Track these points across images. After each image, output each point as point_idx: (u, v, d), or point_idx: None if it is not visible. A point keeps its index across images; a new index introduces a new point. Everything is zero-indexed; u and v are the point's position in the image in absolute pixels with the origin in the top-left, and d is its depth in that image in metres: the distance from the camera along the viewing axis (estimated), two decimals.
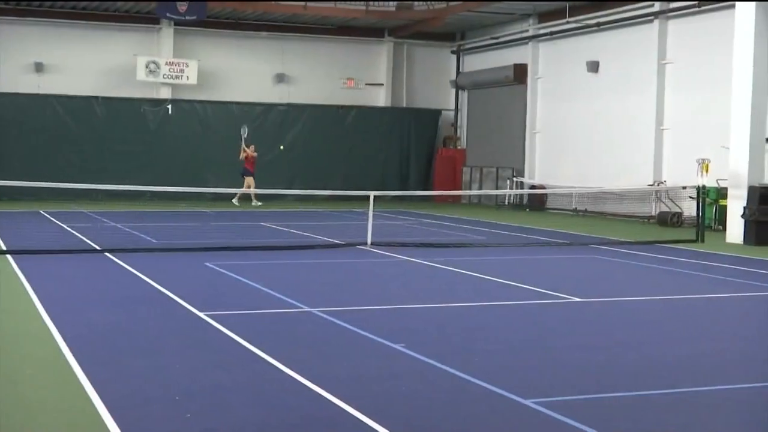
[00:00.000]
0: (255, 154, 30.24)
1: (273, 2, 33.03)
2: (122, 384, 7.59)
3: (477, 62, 35.83)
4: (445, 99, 37.19)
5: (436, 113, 36.77)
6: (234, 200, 30.26)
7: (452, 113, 37.11)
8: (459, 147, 36.67)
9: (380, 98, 36.30)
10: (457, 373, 8.01)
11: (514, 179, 32.33)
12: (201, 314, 10.61)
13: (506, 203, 32.68)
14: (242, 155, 30.07)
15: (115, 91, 32.72)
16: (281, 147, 33.19)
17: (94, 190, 24.32)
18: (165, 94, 33.29)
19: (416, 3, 34.64)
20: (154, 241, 19.02)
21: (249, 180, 29.72)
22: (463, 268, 15.26)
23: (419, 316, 11.13)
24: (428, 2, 34.26)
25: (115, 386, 7.48)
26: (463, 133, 36.90)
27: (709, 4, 25.17)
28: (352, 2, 33.73)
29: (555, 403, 7.13)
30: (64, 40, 32.49)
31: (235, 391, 7.42)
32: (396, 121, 35.83)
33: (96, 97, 32.47)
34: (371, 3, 34.26)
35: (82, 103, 32.32)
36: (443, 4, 33.82)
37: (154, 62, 32.73)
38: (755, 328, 11.00)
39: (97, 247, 17.21)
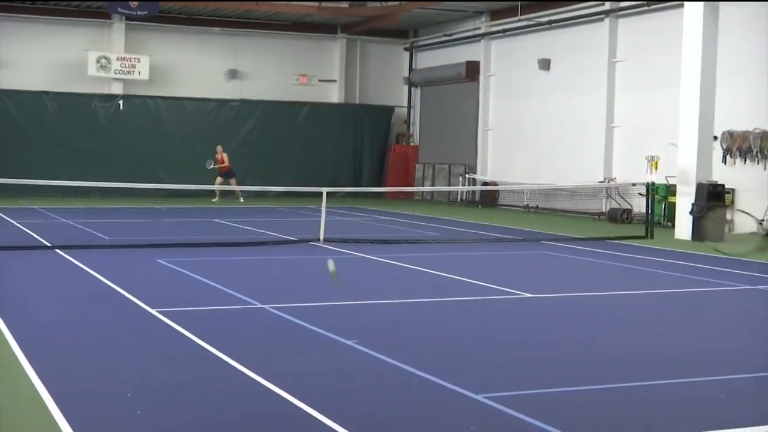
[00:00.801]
0: (223, 155, 30.87)
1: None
2: (73, 381, 7.52)
3: (430, 59, 35.92)
4: (398, 96, 37.24)
5: (389, 110, 36.81)
6: (215, 199, 30.55)
7: (405, 110, 37.18)
8: (412, 144, 36.73)
9: (333, 95, 36.26)
10: (410, 368, 8.02)
11: (467, 176, 32.45)
12: (152, 311, 10.53)
13: (459, 200, 32.80)
14: (213, 165, 30.64)
15: (66, 86, 32.40)
16: None
17: (44, 186, 23.99)
18: (116, 89, 33.01)
19: (369, 0, 34.63)
20: (105, 237, 18.85)
21: (232, 180, 30.39)
22: (416, 265, 15.29)
23: (372, 313, 11.14)
24: None
25: (65, 384, 7.41)
26: (415, 129, 36.97)
27: (658, 4, 25.43)
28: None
29: (507, 398, 7.18)
30: (14, 35, 32.08)
31: (186, 387, 7.39)
32: (349, 118, 35.83)
33: (47, 93, 32.14)
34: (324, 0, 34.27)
35: (32, 99, 31.96)
36: (396, 2, 33.86)
37: (105, 57, 32.45)
38: (702, 322, 11.14)
39: (48, 244, 17.02)
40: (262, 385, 7.40)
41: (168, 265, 14.70)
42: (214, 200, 30.41)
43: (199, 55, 34.39)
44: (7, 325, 9.52)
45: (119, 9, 31.09)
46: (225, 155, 30.96)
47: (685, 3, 21.32)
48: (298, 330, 9.79)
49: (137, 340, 9.18)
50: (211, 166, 30.46)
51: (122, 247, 17.13)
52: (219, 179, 30.19)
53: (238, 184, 30.22)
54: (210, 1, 32.60)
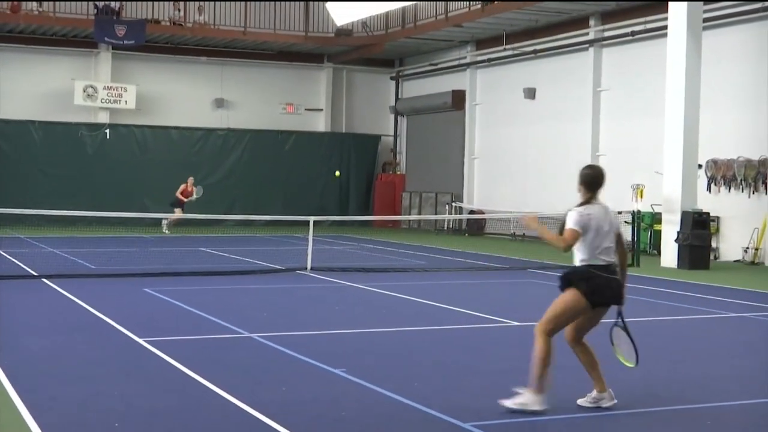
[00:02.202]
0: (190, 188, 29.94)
1: (213, 27, 33.07)
2: (60, 411, 7.50)
3: (416, 88, 36.08)
4: (384, 124, 37.35)
5: (376, 138, 36.91)
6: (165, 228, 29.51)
7: (391, 138, 37.28)
8: (398, 172, 36.81)
9: (320, 123, 36.35)
10: (397, 397, 8.04)
11: (453, 204, 32.52)
12: (139, 340, 10.52)
13: (445, 228, 32.86)
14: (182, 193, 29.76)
15: (53, 115, 32.39)
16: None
17: (31, 215, 23.98)
18: (103, 118, 33.01)
19: (355, 29, 34.80)
20: (92, 266, 18.82)
21: (178, 210, 28.96)
22: (403, 293, 15.31)
23: (359, 341, 11.14)
24: (367, 29, 34.45)
25: (52, 413, 7.39)
26: (402, 158, 37.07)
27: (642, 33, 25.63)
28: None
29: (493, 426, 7.19)
30: (1, 64, 32.09)
31: (173, 416, 7.38)
32: (335, 147, 35.89)
33: (33, 122, 32.11)
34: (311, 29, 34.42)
35: (19, 128, 31.92)
36: (382, 31, 34.06)
37: (91, 86, 32.48)
38: (689, 350, 11.17)
39: (34, 273, 16.99)
40: (250, 414, 7.39)
41: (155, 294, 14.69)
42: (167, 231, 29.16)
43: (186, 84, 34.46)
44: None
45: (106, 38, 31.14)
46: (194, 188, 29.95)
47: (669, 32, 21.50)
48: (285, 359, 9.78)
49: (124, 370, 9.16)
50: (199, 195, 29.67)
51: (109, 276, 17.11)
52: (178, 210, 28.75)
53: (225, 213, 30.22)
54: (197, 30, 32.79)
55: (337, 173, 32.44)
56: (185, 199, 29.30)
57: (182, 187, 29.51)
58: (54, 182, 31.77)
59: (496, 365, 9.79)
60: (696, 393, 8.70)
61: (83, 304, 13.35)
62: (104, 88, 32.55)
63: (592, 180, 7.92)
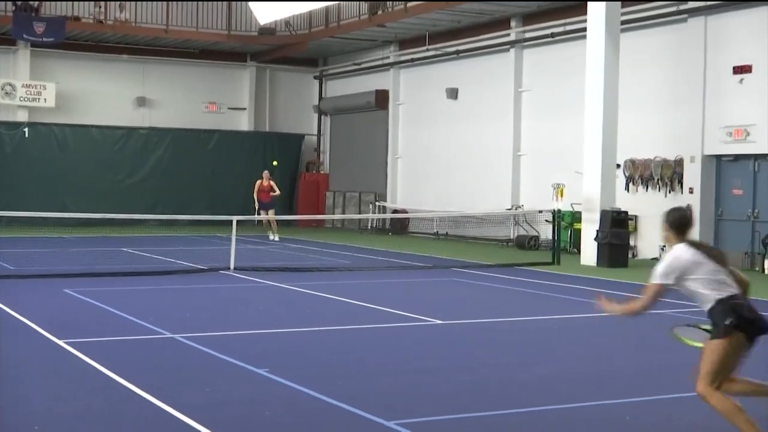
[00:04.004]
0: (267, 183, 27.33)
1: (134, 25, 32.67)
2: None
3: (339, 88, 36.08)
4: (307, 124, 37.28)
5: (299, 138, 36.80)
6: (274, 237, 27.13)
7: (315, 138, 37.22)
8: (322, 171, 36.77)
9: (243, 122, 36.15)
10: (321, 396, 8.03)
11: (377, 203, 32.59)
12: (60, 342, 10.36)
13: (369, 227, 32.91)
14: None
15: None
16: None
17: None
18: (22, 116, 32.39)
19: (278, 28, 34.67)
20: (10, 267, 18.46)
21: (271, 212, 26.88)
22: (327, 292, 15.30)
23: (283, 341, 11.11)
24: (290, 28, 34.34)
25: None
26: (326, 157, 37.04)
27: (562, 35, 25.95)
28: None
29: (418, 424, 7.23)
30: None
31: (95, 419, 7.28)
32: (259, 146, 35.69)
33: None
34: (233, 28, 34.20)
35: None
36: (305, 30, 33.98)
37: (10, 84, 31.86)
38: (608, 347, 11.35)
39: None
40: (172, 415, 7.33)
41: (75, 295, 14.47)
42: (273, 237, 27.00)
43: (107, 82, 33.97)
44: None
45: (24, 35, 30.55)
46: (273, 183, 27.46)
47: (588, 34, 21.82)
48: (208, 359, 9.72)
49: (45, 372, 9.02)
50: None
51: (28, 277, 16.80)
52: (264, 212, 26.78)
53: (147, 212, 29.78)
54: (118, 27, 32.35)
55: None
56: (269, 196, 27.06)
57: (257, 184, 27.31)
58: None
59: (419, 363, 9.84)
60: (614, 389, 8.83)
61: (1, 305, 13.09)
62: (23, 86, 31.94)
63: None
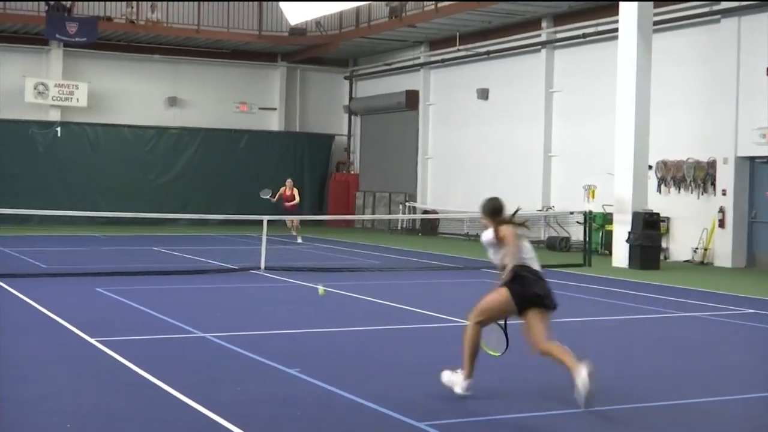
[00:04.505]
0: (291, 191, 27.30)
1: (166, 25, 32.83)
2: (11, 412, 7.40)
3: (370, 88, 36.10)
4: (338, 124, 37.33)
5: (330, 138, 36.86)
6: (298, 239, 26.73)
7: (345, 138, 37.27)
8: (352, 172, 36.81)
9: (273, 123, 36.24)
10: (352, 396, 8.03)
11: (407, 204, 32.58)
12: (92, 340, 10.42)
13: (399, 228, 32.90)
14: (270, 197, 27.14)
15: (3, 113, 31.95)
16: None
17: None
18: (54, 116, 32.65)
19: (309, 29, 34.73)
20: (43, 266, 18.61)
21: (296, 219, 26.67)
22: (357, 293, 15.31)
23: (314, 341, 11.12)
24: (321, 28, 34.39)
25: (3, 415, 7.29)
26: (356, 158, 37.07)
27: (593, 36, 25.83)
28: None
29: (447, 425, 7.21)
30: None
31: (127, 418, 7.32)
32: (289, 146, 35.80)
33: None
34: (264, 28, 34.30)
35: None
36: (336, 30, 34.02)
37: (42, 84, 32.11)
38: (638, 349, 11.28)
39: None
40: (204, 414, 7.35)
41: (107, 293, 14.56)
42: (300, 241, 26.42)
43: (139, 82, 34.18)
44: None
45: (57, 35, 30.77)
46: (296, 190, 27.58)
47: (620, 34, 21.70)
48: (239, 359, 9.74)
49: (77, 370, 9.08)
50: (268, 196, 27.01)
51: (60, 275, 16.93)
52: (291, 218, 26.51)
53: (178, 212, 29.91)
54: (149, 27, 32.54)
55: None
56: (288, 204, 27.09)
57: (281, 191, 27.29)
58: (4, 181, 31.32)
59: (449, 364, 9.80)
60: (648, 392, 8.77)
61: (34, 304, 13.20)
62: (55, 86, 32.19)
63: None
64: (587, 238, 21.55)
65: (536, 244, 26.57)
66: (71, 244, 24.45)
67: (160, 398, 7.89)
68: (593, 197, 22.93)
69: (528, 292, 8.05)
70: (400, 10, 30.69)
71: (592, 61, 26.06)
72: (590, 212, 22.03)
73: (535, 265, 8.24)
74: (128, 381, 8.53)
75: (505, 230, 8.19)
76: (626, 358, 10.61)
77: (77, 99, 32.47)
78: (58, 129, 32.44)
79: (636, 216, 20.97)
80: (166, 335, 11.18)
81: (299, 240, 26.57)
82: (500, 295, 8.01)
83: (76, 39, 30.80)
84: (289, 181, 27.59)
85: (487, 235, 8.34)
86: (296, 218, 26.42)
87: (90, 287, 15.20)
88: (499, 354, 8.28)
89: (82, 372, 8.99)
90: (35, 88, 31.97)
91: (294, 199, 27.20)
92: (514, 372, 9.43)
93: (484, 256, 23.90)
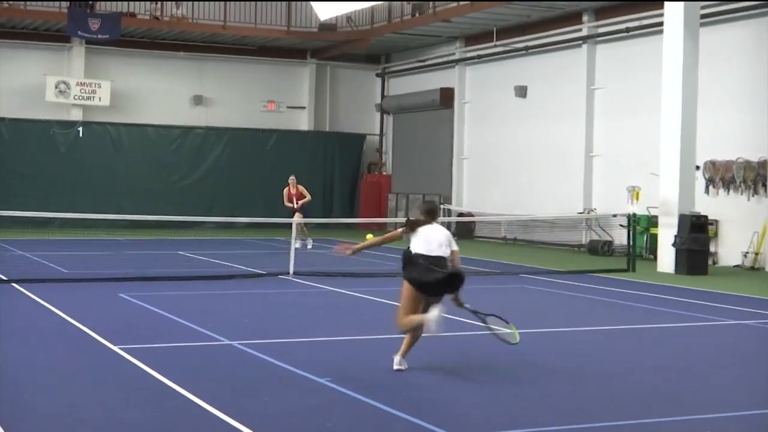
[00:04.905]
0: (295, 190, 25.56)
1: (191, 21, 32.96)
2: (32, 423, 7.43)
3: (402, 85, 36.07)
4: (369, 123, 37.33)
5: (361, 138, 36.88)
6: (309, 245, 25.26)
7: (377, 138, 37.26)
8: (384, 173, 36.80)
9: (302, 122, 36.30)
10: (385, 407, 8.01)
11: (442, 206, 32.50)
12: (115, 348, 10.46)
13: None
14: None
15: (23, 112, 32.21)
16: None
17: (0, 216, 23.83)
18: (76, 115, 32.88)
19: (339, 24, 34.76)
20: (64, 270, 18.73)
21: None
22: (390, 299, 15.25)
23: (345, 349, 11.11)
24: (352, 23, 34.41)
25: (22, 426, 7.32)
26: (388, 158, 37.06)
27: (637, 30, 25.68)
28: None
29: None
30: None
31: (152, 428, 7.33)
32: (319, 146, 35.86)
33: (2, 119, 31.93)
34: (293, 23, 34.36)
35: None
36: (367, 26, 34.02)
37: (64, 82, 32.34)
38: (688, 358, 11.18)
39: (4, 278, 16.89)
40: (231, 425, 7.35)
41: (130, 299, 14.62)
42: (300, 246, 23.47)
43: (163, 80, 34.35)
44: None
45: (79, 32, 30.97)
46: (301, 188, 25.62)
47: (665, 28, 21.55)
48: (268, 368, 9.74)
49: (99, 379, 9.11)
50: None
51: (82, 280, 17.03)
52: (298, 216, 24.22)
53: (204, 214, 29.95)
54: (174, 24, 32.68)
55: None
56: (293, 206, 25.21)
57: (285, 191, 25.74)
58: (24, 182, 31.59)
59: (486, 375, 9.76)
60: (695, 403, 8.69)
61: (55, 310, 13.28)
62: (77, 84, 32.41)
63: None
64: (631, 242, 21.40)
65: (577, 248, 26.53)
66: (93, 248, 24.59)
67: (185, 409, 7.89)
68: (637, 199, 22.74)
69: (418, 279, 9.64)
70: (425, 8, 30.64)
71: (635, 57, 25.89)
72: (634, 215, 21.88)
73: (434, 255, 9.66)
74: (154, 391, 8.55)
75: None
76: (670, 367, 10.50)
77: (99, 98, 32.66)
78: (80, 129, 32.66)
79: (683, 219, 20.80)
80: (192, 343, 11.20)
81: (309, 245, 25.01)
82: (405, 288, 9.72)
83: (99, 36, 30.98)
84: (292, 179, 25.82)
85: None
86: (302, 220, 24.03)
87: (113, 293, 15.26)
88: (514, 334, 9.82)
89: (105, 381, 9.02)
90: (56, 87, 32.21)
91: (302, 197, 25.34)
92: (555, 384, 9.36)
93: (523, 260, 23.85)
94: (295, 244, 19.99)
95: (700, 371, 10.39)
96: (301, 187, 25.63)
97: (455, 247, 9.90)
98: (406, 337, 9.75)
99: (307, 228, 25.37)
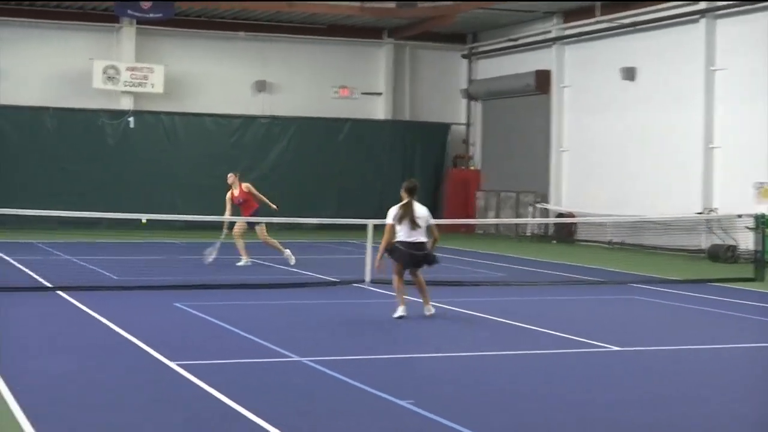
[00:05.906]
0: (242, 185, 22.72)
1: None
2: None
3: (492, 68, 35.97)
4: (455, 111, 37.30)
5: (445, 128, 36.85)
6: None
7: (464, 128, 37.23)
8: (472, 168, 36.75)
9: (379, 110, 36.39)
10: None
11: (538, 206, 32.39)
12: (171, 364, 10.58)
13: (528, 234, 32.72)
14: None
15: (68, 100, 32.75)
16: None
17: (43, 216, 24.23)
18: (126, 104, 33.33)
19: None
20: (114, 277, 19.00)
21: (259, 228, 22.62)
22: (479, 311, 15.26)
23: (429, 367, 11.12)
24: None
25: None
26: (476, 151, 37.00)
27: (764, 2, 25.30)
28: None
29: None
30: (9, 42, 32.50)
31: None
32: (397, 137, 35.89)
33: (46, 108, 32.50)
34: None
35: (29, 115, 32.35)
36: (453, 1, 33.94)
37: (113, 67, 32.78)
38: None
39: (49, 285, 17.19)
40: None
41: (187, 309, 14.78)
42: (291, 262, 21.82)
43: (222, 64, 34.65)
44: (2, 379, 9.60)
45: (129, 11, 31.39)
46: (246, 185, 22.83)
47: None
48: (342, 387, 9.79)
49: (153, 398, 9.23)
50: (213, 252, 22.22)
51: (134, 288, 17.26)
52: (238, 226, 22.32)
53: (268, 214, 30.09)
54: (235, 1, 32.84)
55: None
56: (248, 207, 22.83)
57: (228, 195, 23.01)
58: (70, 178, 32.12)
59: (589, 397, 9.70)
60: None
61: (105, 321, 13.47)
62: (127, 69, 32.82)
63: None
64: (759, 247, 21.09)
65: (696, 252, 26.21)
66: (146, 251, 24.89)
67: None
68: (766, 197, 22.46)
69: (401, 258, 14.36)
70: None
71: (762, 32, 25.52)
72: (763, 215, 21.58)
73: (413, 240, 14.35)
74: (215, 412, 8.64)
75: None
76: None
77: (152, 84, 33.06)
78: (131, 119, 33.11)
79: None
80: (257, 359, 11.29)
81: (292, 261, 21.83)
82: (393, 264, 14.50)
83: (151, 15, 31.37)
84: (230, 176, 22.84)
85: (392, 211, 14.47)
86: (259, 226, 22.20)
87: (168, 302, 15.45)
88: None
89: (162, 400, 9.14)
90: (104, 73, 32.66)
91: (249, 196, 22.61)
92: (671, 408, 9.28)
93: (632, 268, 23.62)
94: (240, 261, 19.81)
95: None
96: (246, 185, 22.86)
97: (433, 221, 14.72)
98: (399, 292, 14.60)
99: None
